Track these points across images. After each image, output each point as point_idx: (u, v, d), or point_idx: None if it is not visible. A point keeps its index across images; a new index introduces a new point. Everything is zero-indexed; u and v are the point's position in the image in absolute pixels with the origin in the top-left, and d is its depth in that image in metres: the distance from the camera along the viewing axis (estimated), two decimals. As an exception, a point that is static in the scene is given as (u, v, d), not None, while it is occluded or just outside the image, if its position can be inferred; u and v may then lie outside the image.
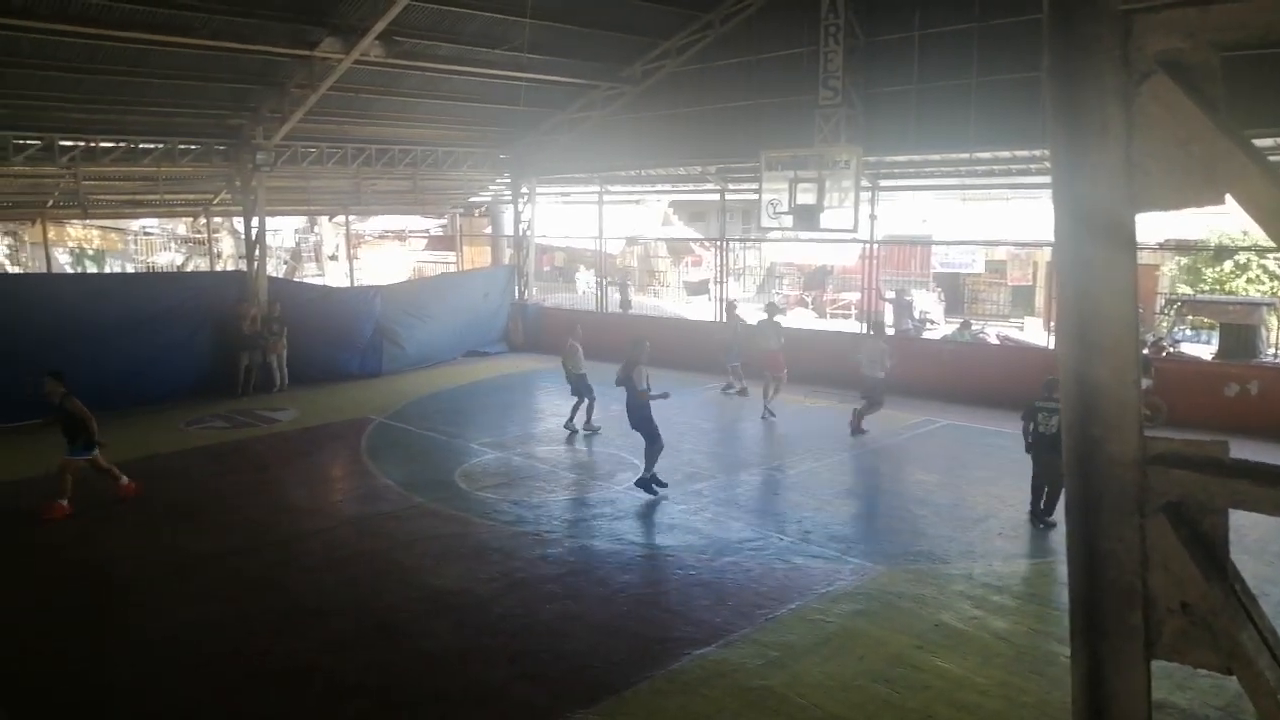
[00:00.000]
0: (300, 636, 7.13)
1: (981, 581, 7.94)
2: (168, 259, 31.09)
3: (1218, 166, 1.57)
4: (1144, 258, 20.20)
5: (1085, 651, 1.79)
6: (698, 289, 30.01)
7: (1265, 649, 1.58)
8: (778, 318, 14.96)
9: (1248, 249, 18.57)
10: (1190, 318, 17.06)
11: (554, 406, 15.42)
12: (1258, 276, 19.22)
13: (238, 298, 16.81)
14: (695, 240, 31.61)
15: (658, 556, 8.68)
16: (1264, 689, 1.53)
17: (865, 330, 15.87)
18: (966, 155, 14.89)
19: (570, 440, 13.15)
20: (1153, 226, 17.70)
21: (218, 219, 24.38)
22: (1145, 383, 13.19)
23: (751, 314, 17.57)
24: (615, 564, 8.54)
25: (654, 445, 10.48)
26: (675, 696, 6.15)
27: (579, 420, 13.44)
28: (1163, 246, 19.32)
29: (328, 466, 12.49)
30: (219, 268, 26.44)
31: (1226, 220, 19.34)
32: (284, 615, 7.51)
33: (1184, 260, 21.19)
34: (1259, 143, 11.84)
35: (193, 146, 16.73)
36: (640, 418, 10.58)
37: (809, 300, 27.39)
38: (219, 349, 16.40)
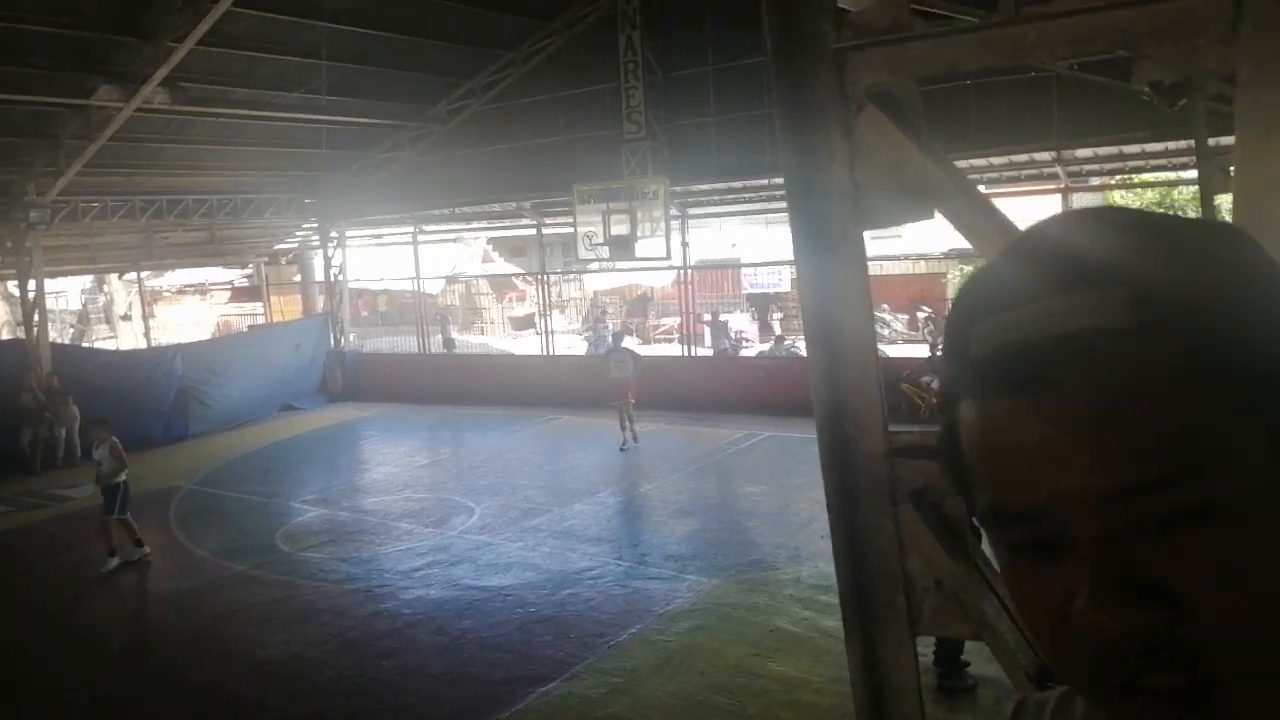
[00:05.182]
0: (106, 732, 6.55)
1: (809, 583, 8.29)
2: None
3: (925, 187, 1.76)
4: (931, 266, 21.88)
5: (859, 635, 1.93)
6: (523, 324, 29.96)
7: (1005, 614, 1.76)
8: (627, 343, 15.03)
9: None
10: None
11: (379, 456, 14.96)
12: (1029, 278, 21.18)
13: (20, 367, 15.33)
14: (516, 275, 31.61)
15: (496, 598, 8.54)
16: (1004, 649, 1.71)
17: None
18: (765, 181, 15.68)
19: (397, 490, 12.78)
20: (936, 236, 19.14)
21: (-12, 284, 22.20)
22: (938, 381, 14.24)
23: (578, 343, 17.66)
24: (452, 611, 8.34)
25: None
26: (519, 737, 6.07)
27: None
28: (946, 255, 20.99)
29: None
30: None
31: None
32: (86, 713, 6.87)
33: (966, 267, 23.12)
34: (973, 163, 13.25)
35: (-49, 207, 15.21)
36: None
37: (632, 327, 27.90)
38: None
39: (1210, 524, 0.47)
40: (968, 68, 1.66)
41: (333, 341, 20.61)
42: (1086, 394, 0.48)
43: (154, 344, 21.64)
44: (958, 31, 1.67)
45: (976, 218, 1.69)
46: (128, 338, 27.69)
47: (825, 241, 1.87)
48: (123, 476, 10.02)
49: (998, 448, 0.51)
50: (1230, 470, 0.47)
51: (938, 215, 1.95)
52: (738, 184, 16.26)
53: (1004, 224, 1.67)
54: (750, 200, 17.53)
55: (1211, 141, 8.55)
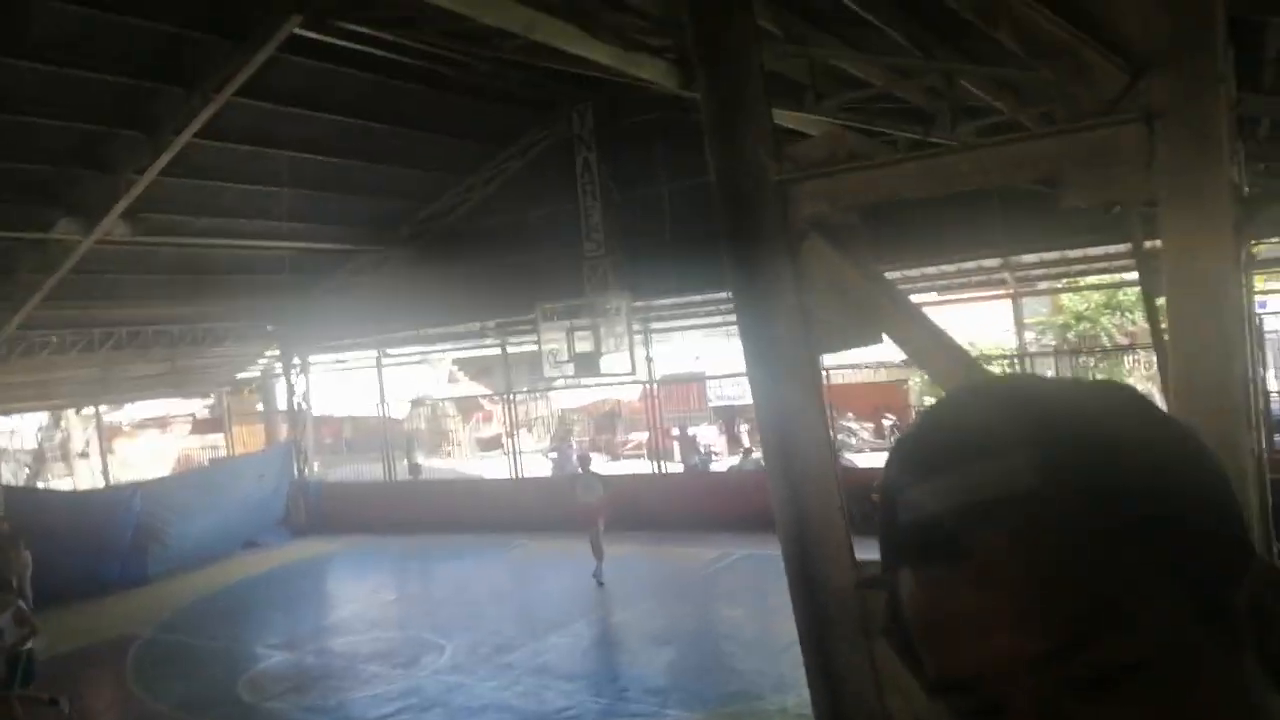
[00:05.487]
0: None
1: (796, 713, 7.98)
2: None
3: (871, 311, 1.78)
4: (892, 374, 22.17)
5: (838, 780, 1.84)
6: (490, 445, 29.67)
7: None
8: (593, 467, 14.70)
9: (976, 359, 20.84)
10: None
11: (346, 592, 14.53)
12: (990, 380, 21.49)
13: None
14: (483, 396, 31.49)
15: (466, 741, 8.16)
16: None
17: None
18: (724, 294, 15.96)
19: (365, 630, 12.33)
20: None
21: (-61, 426, 21.66)
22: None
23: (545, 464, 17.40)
24: (420, 757, 7.94)
25: None
26: None
27: None
28: (906, 362, 21.34)
29: (85, 698, 10.93)
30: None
31: (955, 333, 21.69)
32: None
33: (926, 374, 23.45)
34: (924, 270, 13.61)
35: (-102, 346, 14.96)
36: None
37: (601, 444, 27.74)
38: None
39: (1138, 682, 0.48)
40: (906, 196, 1.72)
41: (296, 472, 20.22)
42: (1002, 560, 0.50)
43: (112, 481, 21.13)
44: (893, 163, 1.72)
45: (922, 340, 1.70)
46: (85, 476, 26.97)
47: (779, 367, 1.87)
48: (29, 644, 9.05)
49: (930, 617, 0.53)
50: (1149, 628, 0.48)
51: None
52: (697, 298, 16.53)
53: (948, 345, 1.69)
54: (710, 313, 17.79)
55: (1148, 244, 8.89)
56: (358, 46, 10.93)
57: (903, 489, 0.55)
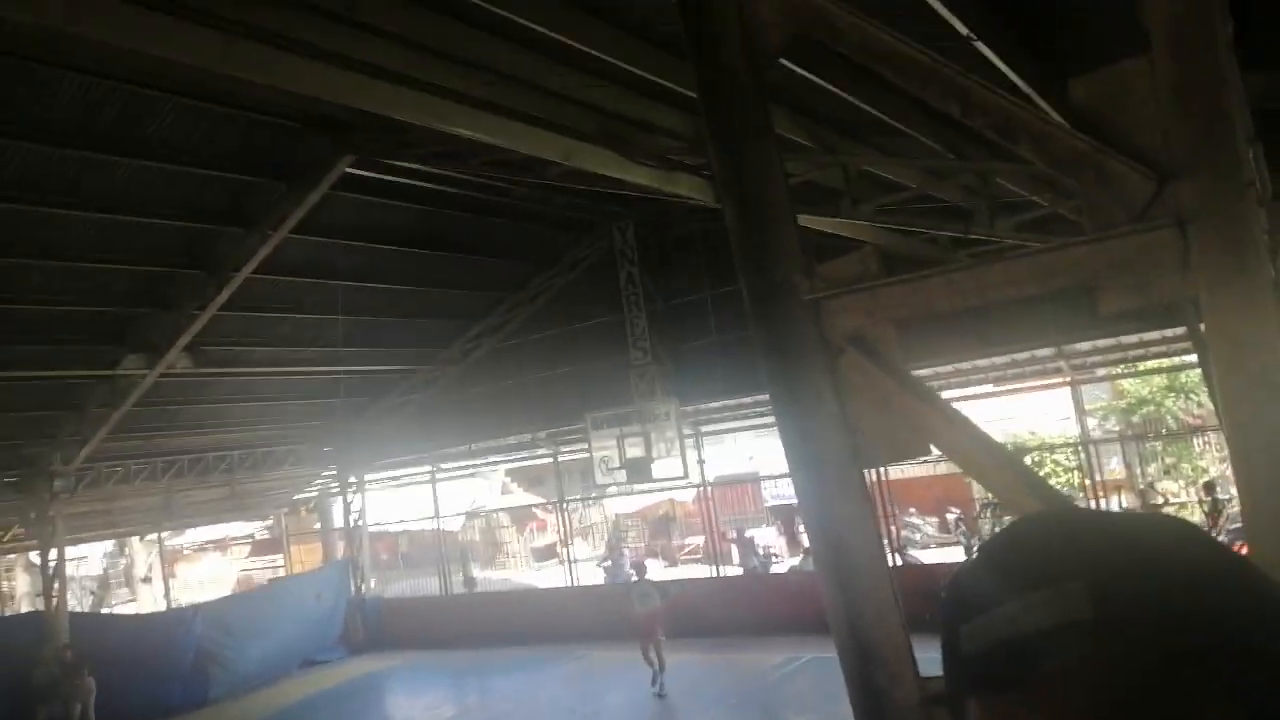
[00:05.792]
0: None
1: (867, 827, 7.59)
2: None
3: (917, 423, 1.77)
4: (951, 466, 21.71)
5: None
6: (545, 554, 29.43)
7: None
8: (649, 574, 14.25)
9: (1038, 447, 20.34)
10: (1006, 518, 18.17)
11: (402, 711, 14.26)
12: (1053, 471, 20.96)
13: (35, 642, 14.96)
14: (536, 505, 31.43)
15: None
16: None
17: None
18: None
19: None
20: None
21: (9, 556, 22.18)
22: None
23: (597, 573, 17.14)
24: None
25: None
26: None
27: None
28: (964, 454, 20.88)
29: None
30: (10, 610, 23.75)
31: (1015, 423, 21.29)
32: None
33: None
34: (977, 363, 13.48)
35: (-26, 483, 15.47)
36: None
37: (657, 549, 27.35)
38: (12, 708, 14.29)
39: None
40: (940, 309, 1.73)
41: (353, 589, 20.21)
42: (1060, 687, 0.51)
43: (174, 604, 21.33)
44: (924, 277, 1.75)
45: (972, 451, 1.68)
46: (147, 600, 27.26)
47: (823, 477, 1.86)
48: None
49: None
50: None
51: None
52: (746, 399, 16.49)
53: (998, 453, 1.66)
54: (761, 413, 17.70)
55: (1204, 326, 8.72)
56: (405, 180, 11.43)
57: (964, 619, 0.58)
